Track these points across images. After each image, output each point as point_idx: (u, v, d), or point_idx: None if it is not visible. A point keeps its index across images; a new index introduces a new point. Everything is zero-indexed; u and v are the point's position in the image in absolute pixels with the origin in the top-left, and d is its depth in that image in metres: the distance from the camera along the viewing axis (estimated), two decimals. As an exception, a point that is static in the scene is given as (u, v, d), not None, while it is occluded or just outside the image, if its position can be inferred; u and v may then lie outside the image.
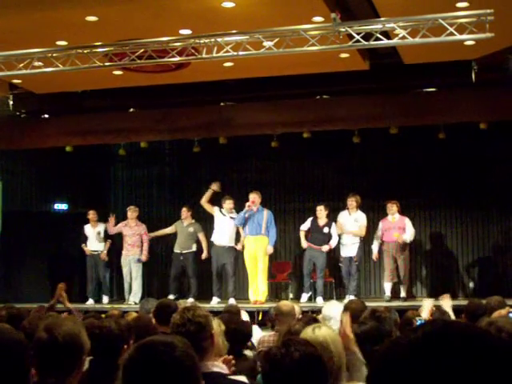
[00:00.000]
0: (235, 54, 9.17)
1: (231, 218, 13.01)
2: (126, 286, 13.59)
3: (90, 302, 13.68)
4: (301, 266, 13.57)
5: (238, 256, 13.21)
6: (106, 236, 13.92)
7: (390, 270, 12.72)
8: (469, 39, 8.82)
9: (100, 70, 9.94)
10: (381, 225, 12.77)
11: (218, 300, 12.92)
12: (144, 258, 13.59)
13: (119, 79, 11.53)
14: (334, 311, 6.27)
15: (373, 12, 8.88)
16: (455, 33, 8.39)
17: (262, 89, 12.58)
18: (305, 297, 12.83)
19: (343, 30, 8.67)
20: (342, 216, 12.81)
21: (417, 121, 12.60)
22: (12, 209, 14.49)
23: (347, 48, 9.32)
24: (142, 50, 9.45)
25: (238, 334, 5.45)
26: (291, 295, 13.98)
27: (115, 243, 14.03)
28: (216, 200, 13.61)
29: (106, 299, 13.89)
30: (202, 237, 13.50)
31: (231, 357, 4.08)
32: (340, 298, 12.90)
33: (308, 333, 3.57)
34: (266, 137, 13.68)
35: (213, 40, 9.10)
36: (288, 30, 8.86)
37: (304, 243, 12.93)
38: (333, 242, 12.74)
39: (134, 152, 15.47)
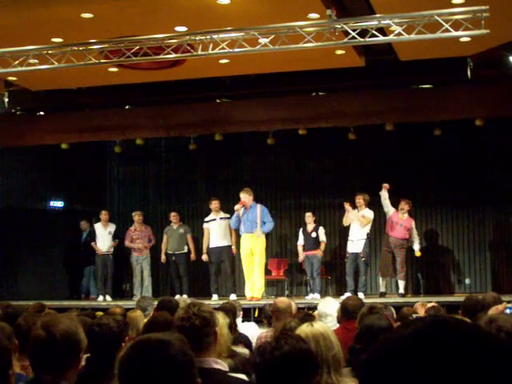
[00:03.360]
0: (231, 50, 9.16)
1: (221, 218, 13.26)
2: (137, 283, 14.03)
3: (100, 298, 14.09)
4: (296, 263, 13.81)
5: (234, 254, 13.36)
6: (115, 236, 14.32)
7: (385, 264, 12.81)
8: (464, 36, 8.81)
9: (95, 67, 9.92)
10: (391, 213, 12.79)
11: (217, 297, 13.12)
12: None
13: (114, 76, 11.51)
14: (330, 308, 6.27)
15: (368, 8, 8.88)
16: (451, 29, 8.39)
17: (258, 86, 12.56)
18: (311, 296, 12.84)
19: (339, 26, 8.68)
20: (352, 213, 12.82)
21: (412, 117, 12.60)
22: (8, 206, 14.47)
23: (343, 45, 9.31)
24: (137, 47, 9.43)
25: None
26: (287, 292, 14.02)
27: (121, 243, 14.37)
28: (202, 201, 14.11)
29: (108, 298, 14.08)
30: (190, 238, 14.08)
31: None
32: (337, 294, 12.93)
33: (304, 328, 3.59)
34: (261, 134, 13.69)
35: (208, 37, 9.09)
36: (283, 26, 8.85)
37: (301, 256, 13.26)
38: (321, 246, 13.17)
39: (130, 149, 15.45)
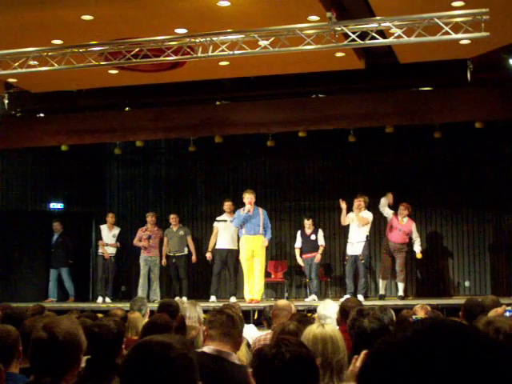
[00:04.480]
0: (231, 53, 9.16)
1: (231, 221, 13.13)
2: (141, 283, 13.89)
3: (100, 300, 14.08)
4: (295, 266, 13.82)
5: (238, 257, 13.34)
6: (118, 239, 14.36)
7: (385, 267, 12.84)
8: (464, 38, 8.83)
9: (95, 68, 9.92)
10: (391, 216, 12.80)
11: (215, 299, 13.08)
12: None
13: (115, 78, 11.51)
14: (329, 310, 6.27)
15: (368, 11, 8.88)
16: (451, 32, 8.39)
17: (258, 88, 12.57)
18: (310, 298, 12.88)
19: (339, 28, 8.68)
20: (351, 215, 12.82)
21: (412, 120, 12.60)
22: (8, 207, 14.47)
23: (343, 47, 9.31)
24: (137, 49, 9.44)
25: None
26: (286, 294, 14.02)
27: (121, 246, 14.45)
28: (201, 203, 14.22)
29: (108, 299, 14.10)
30: (190, 240, 14.07)
31: None
32: (336, 296, 12.93)
33: (314, 328, 3.58)
34: (261, 136, 13.69)
35: (208, 39, 9.10)
36: (284, 28, 8.85)
37: (299, 260, 13.32)
38: (320, 250, 13.16)
39: (130, 151, 15.47)
